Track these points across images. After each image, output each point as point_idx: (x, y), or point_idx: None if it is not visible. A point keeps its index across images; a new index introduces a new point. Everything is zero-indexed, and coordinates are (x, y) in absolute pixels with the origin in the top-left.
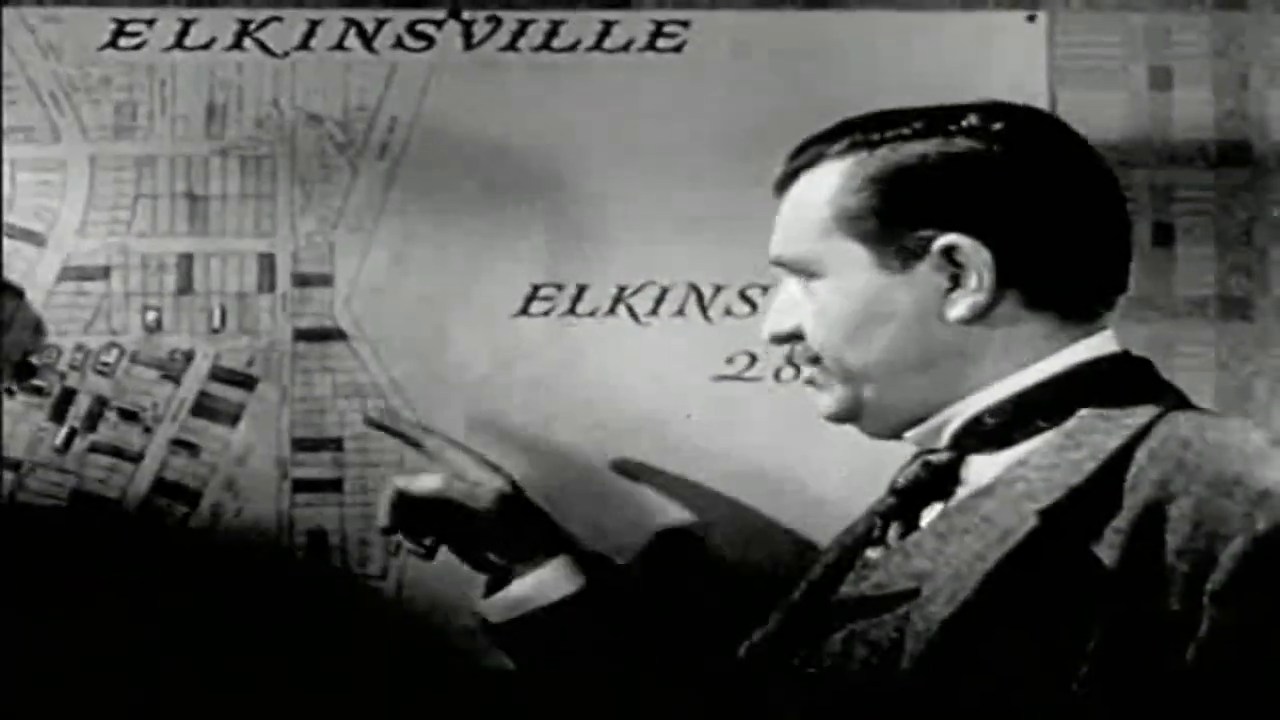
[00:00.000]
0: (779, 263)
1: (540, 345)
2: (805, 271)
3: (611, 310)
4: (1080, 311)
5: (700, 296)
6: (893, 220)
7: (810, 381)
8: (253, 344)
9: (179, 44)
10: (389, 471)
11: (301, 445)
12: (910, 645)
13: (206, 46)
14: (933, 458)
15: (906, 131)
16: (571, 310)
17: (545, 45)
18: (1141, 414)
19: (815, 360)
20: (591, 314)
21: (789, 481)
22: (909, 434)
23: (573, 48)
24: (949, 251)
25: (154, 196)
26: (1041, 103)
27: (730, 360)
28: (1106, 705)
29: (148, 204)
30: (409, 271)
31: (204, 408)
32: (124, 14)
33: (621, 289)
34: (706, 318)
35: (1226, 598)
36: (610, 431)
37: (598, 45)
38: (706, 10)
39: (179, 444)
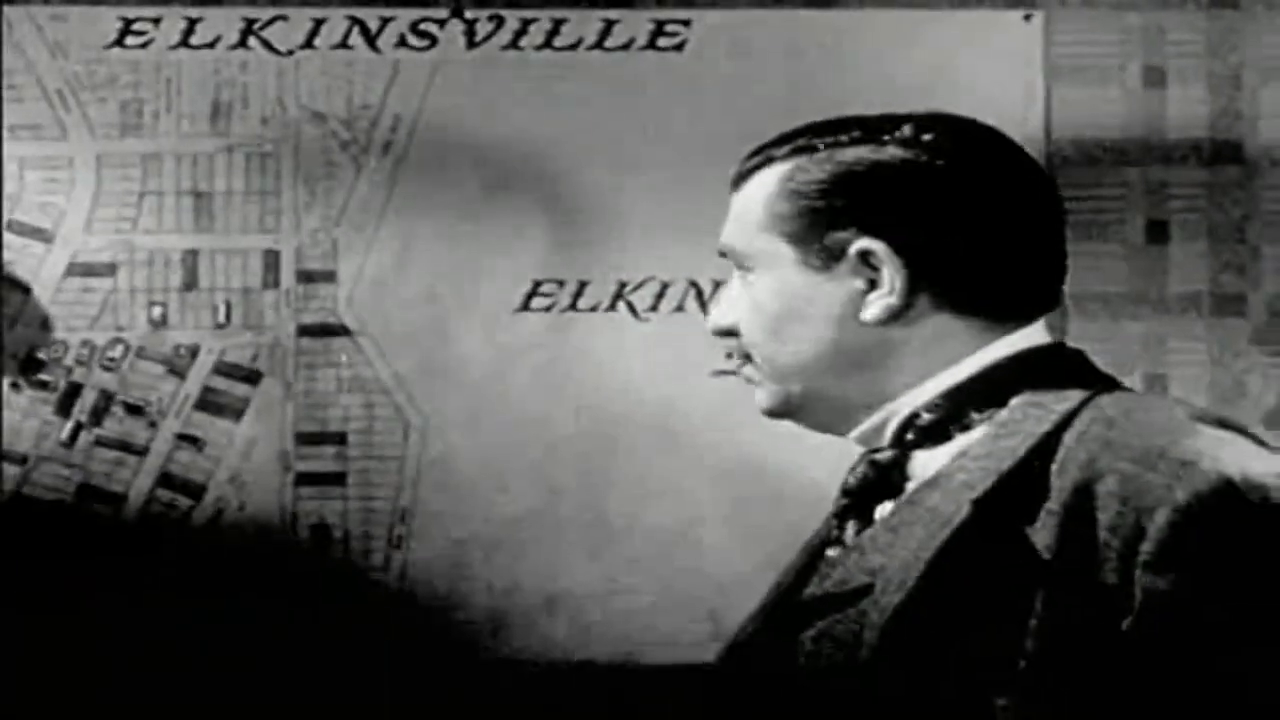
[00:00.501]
0: (722, 252)
1: (542, 340)
2: (742, 265)
3: (612, 306)
4: (1011, 315)
5: (700, 292)
6: (816, 222)
7: (747, 378)
8: (257, 339)
9: (184, 42)
10: (391, 465)
11: (305, 439)
12: (867, 636)
13: (212, 45)
14: (878, 456)
15: (844, 138)
16: (572, 306)
17: (547, 44)
18: (1071, 398)
19: (748, 357)
20: (592, 309)
21: (786, 474)
22: (853, 434)
23: (574, 46)
24: (865, 255)
25: (160, 193)
26: (1038, 100)
27: (730, 355)
28: (1053, 682)
29: (153, 201)
30: (412, 267)
31: (209, 402)
32: (130, 13)
33: (622, 285)
34: (706, 313)
35: (1156, 568)
36: (610, 424)
37: (599, 44)
38: (706, 9)
39: (184, 438)
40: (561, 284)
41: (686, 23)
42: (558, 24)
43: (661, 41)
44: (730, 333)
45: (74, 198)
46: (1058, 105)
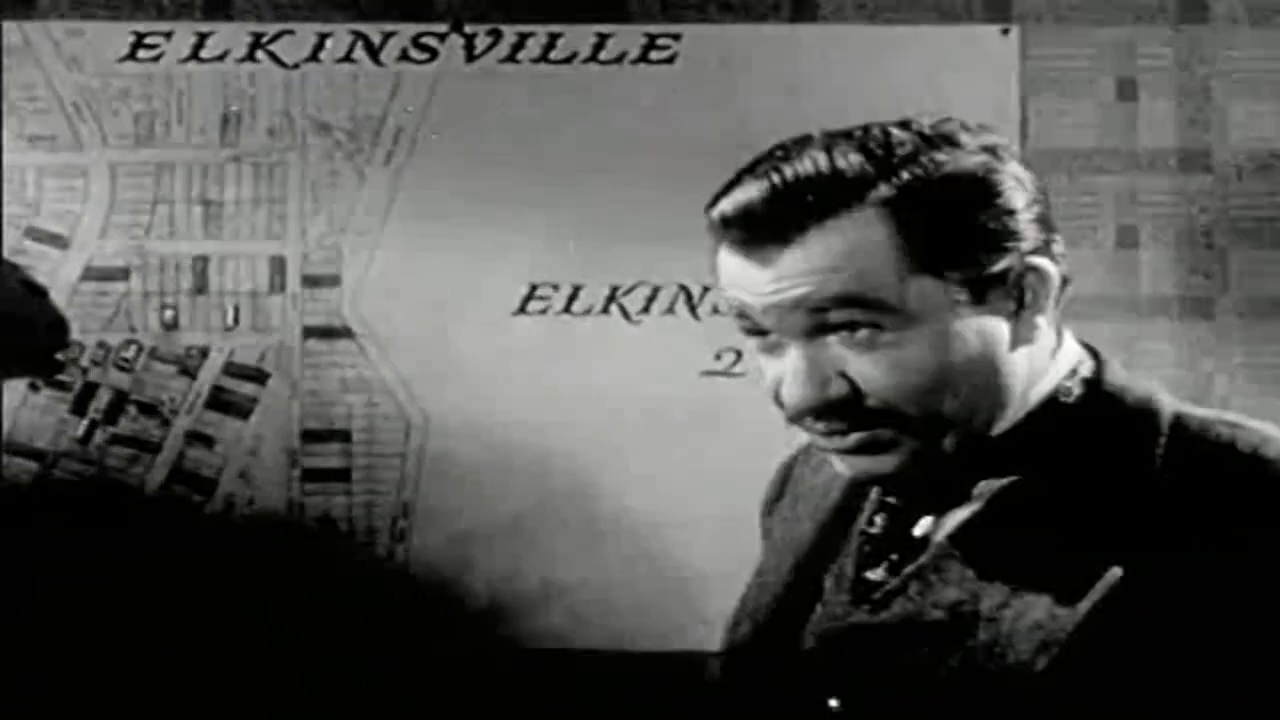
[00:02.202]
0: (819, 307)
1: (537, 342)
2: (858, 322)
3: (605, 309)
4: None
5: (689, 296)
6: (974, 248)
7: (859, 444)
8: (264, 341)
9: (195, 56)
10: (394, 461)
11: (311, 437)
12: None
13: (221, 58)
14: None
15: (928, 153)
16: (567, 309)
17: (543, 57)
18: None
19: (872, 423)
20: (586, 312)
21: (771, 469)
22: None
23: (569, 59)
24: (1022, 275)
25: (171, 201)
26: (1014, 110)
27: (718, 356)
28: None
29: (165, 209)
30: (413, 272)
31: (218, 401)
32: (143, 27)
33: (615, 289)
34: (695, 316)
35: None
36: (604, 422)
37: (593, 57)
38: (696, 24)
39: (195, 436)
40: (557, 288)
41: (677, 36)
42: (553, 38)
43: (653, 54)
44: (841, 403)
45: (89, 205)
46: (1033, 116)
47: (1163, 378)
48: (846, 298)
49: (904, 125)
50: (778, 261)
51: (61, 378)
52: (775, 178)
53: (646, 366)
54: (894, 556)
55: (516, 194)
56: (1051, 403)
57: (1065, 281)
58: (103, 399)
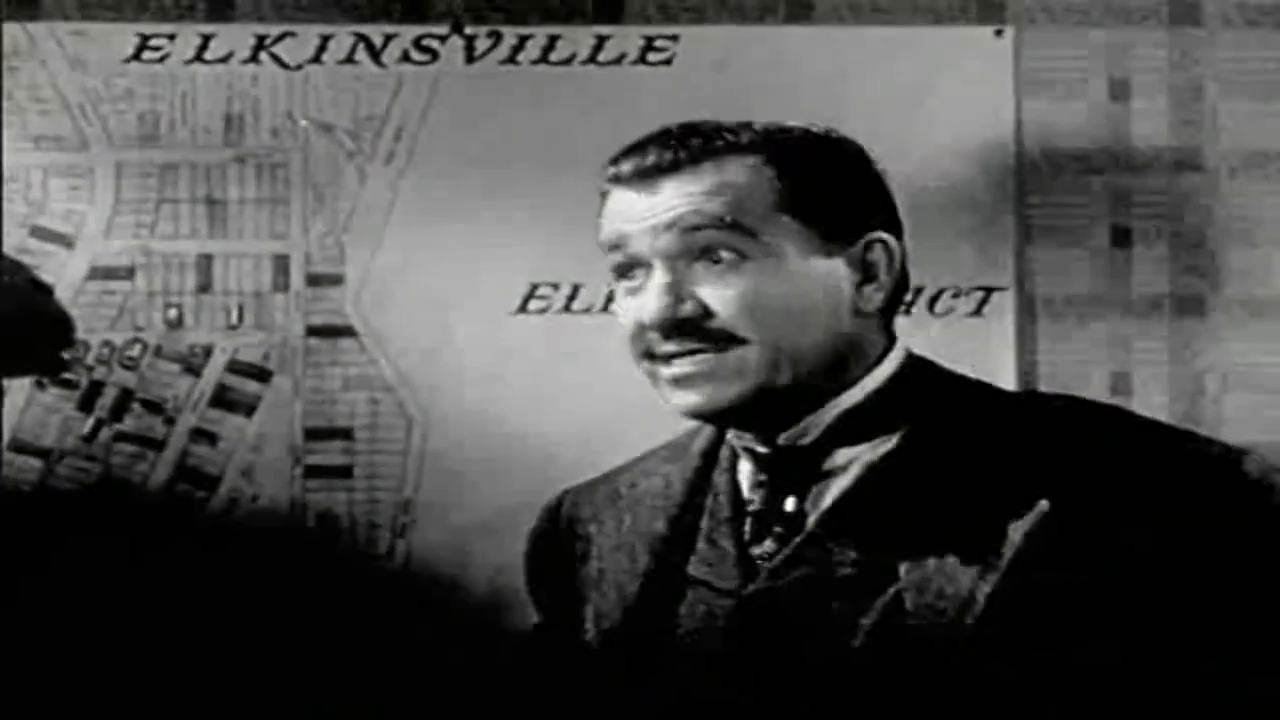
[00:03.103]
0: (693, 227)
1: (537, 340)
2: (726, 246)
3: (604, 308)
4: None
5: None
6: (843, 209)
7: (685, 375)
8: (268, 339)
9: (199, 57)
10: (395, 458)
11: (313, 434)
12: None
13: (225, 60)
14: (802, 443)
15: (807, 135)
16: (567, 308)
17: (542, 59)
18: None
19: (715, 343)
20: (586, 311)
21: None
22: (783, 436)
23: (568, 61)
24: (870, 245)
25: (175, 201)
26: (1008, 112)
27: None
28: None
29: (170, 208)
30: (414, 271)
31: (222, 399)
32: (147, 29)
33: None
34: None
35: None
36: (601, 418)
37: (592, 58)
38: (693, 26)
39: (199, 433)
40: (556, 287)
41: (675, 38)
42: (553, 40)
43: (651, 56)
44: (690, 322)
45: (94, 205)
46: (1027, 117)
47: (1156, 375)
48: (719, 219)
49: (796, 124)
50: (662, 189)
51: (67, 376)
52: (674, 136)
53: None
54: (778, 530)
55: (517, 194)
56: (892, 380)
57: (905, 275)
58: (108, 396)
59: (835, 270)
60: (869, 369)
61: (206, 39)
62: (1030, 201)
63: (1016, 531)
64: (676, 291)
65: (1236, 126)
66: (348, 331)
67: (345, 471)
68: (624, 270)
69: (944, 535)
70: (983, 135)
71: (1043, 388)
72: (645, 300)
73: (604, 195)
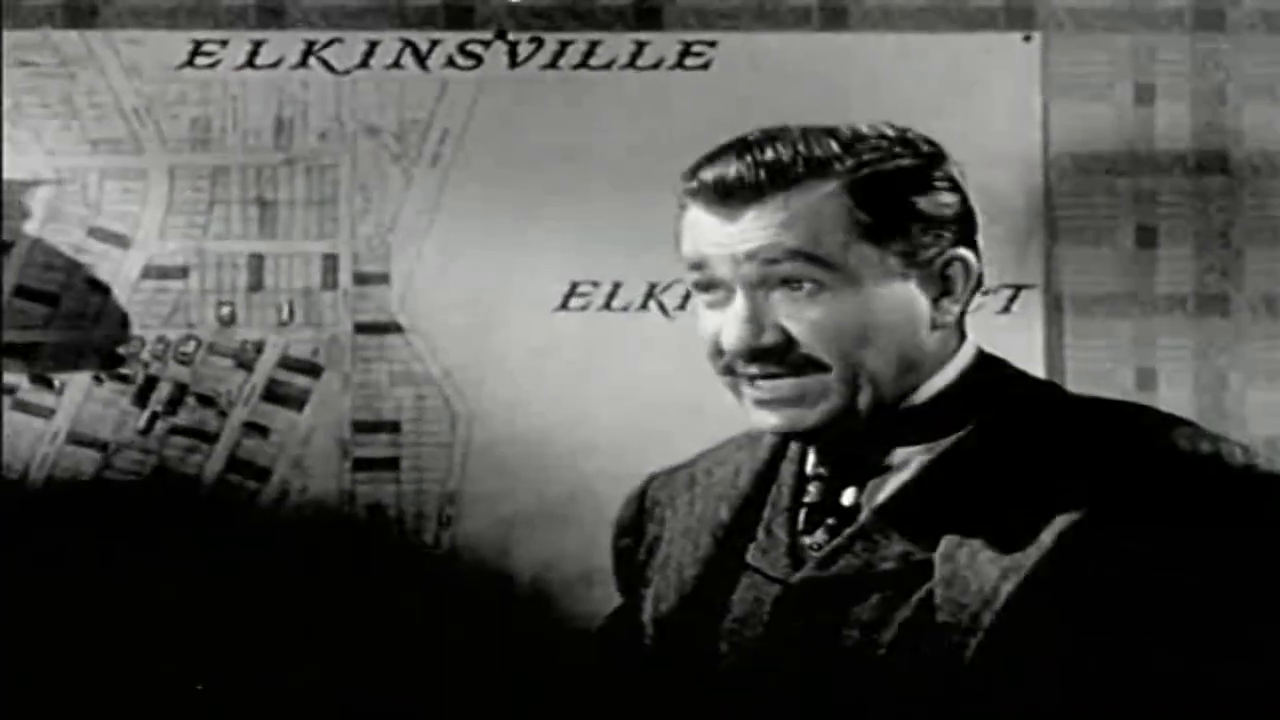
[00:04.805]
0: (770, 259)
1: (578, 337)
2: (802, 277)
3: (643, 305)
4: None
5: None
6: (915, 230)
7: (778, 396)
8: (317, 336)
9: (250, 63)
10: (441, 451)
11: (361, 427)
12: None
13: (275, 65)
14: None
15: (883, 149)
16: (607, 305)
17: (583, 63)
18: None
19: (800, 369)
20: (625, 309)
21: None
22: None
23: (608, 66)
24: (948, 263)
25: (227, 202)
26: (1036, 115)
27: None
28: None
29: (222, 209)
30: (459, 270)
31: (273, 393)
32: (199, 36)
33: (652, 285)
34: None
35: None
36: (641, 413)
37: (631, 63)
38: (730, 31)
39: (251, 426)
40: (596, 285)
41: (712, 43)
42: (593, 45)
43: (689, 61)
44: (772, 350)
45: (149, 206)
46: (1055, 120)
47: (1179, 371)
48: (797, 251)
49: (871, 126)
50: (743, 217)
51: (123, 371)
52: (754, 153)
53: (683, 360)
54: (830, 521)
55: (558, 194)
56: (958, 381)
57: (981, 280)
58: (163, 391)
59: (913, 291)
60: (938, 369)
61: (257, 45)
62: (1058, 202)
63: (1049, 534)
64: (758, 320)
65: (1258, 129)
66: (394, 328)
67: (392, 464)
68: (705, 287)
69: (980, 533)
70: (1012, 138)
71: (1070, 383)
72: (727, 325)
73: (682, 208)
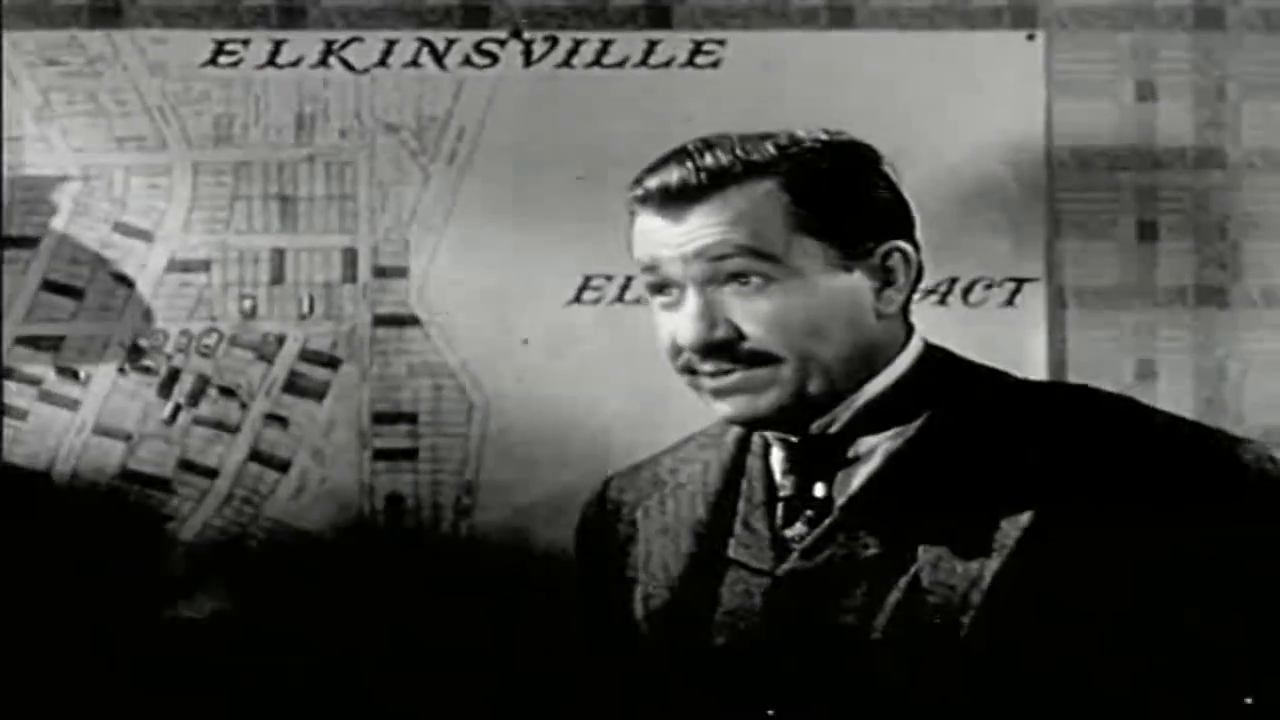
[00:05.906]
0: (717, 255)
1: (591, 329)
2: (746, 272)
3: None
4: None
5: None
6: (854, 223)
7: (732, 386)
8: (337, 329)
9: (271, 62)
10: (458, 442)
11: (380, 419)
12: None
13: (295, 64)
14: (831, 432)
15: (813, 148)
16: (620, 298)
17: (596, 62)
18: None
19: (754, 362)
20: (637, 302)
21: None
22: (813, 426)
23: (621, 64)
24: (888, 254)
25: (249, 198)
26: (1039, 112)
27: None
28: None
29: (244, 204)
30: (475, 264)
31: (294, 385)
32: (222, 35)
33: None
34: None
35: None
36: (653, 402)
37: (643, 62)
38: (740, 30)
39: (272, 418)
40: (609, 279)
41: (722, 42)
42: (606, 44)
43: (699, 60)
44: (724, 344)
45: (173, 202)
46: (1058, 117)
47: (1180, 363)
48: (741, 246)
49: (808, 131)
50: (689, 218)
51: (147, 363)
52: (694, 159)
53: None
54: (809, 513)
55: (571, 191)
56: (910, 371)
57: (921, 271)
58: (186, 383)
59: (856, 281)
60: (890, 360)
61: (278, 45)
62: (1060, 197)
63: (1023, 515)
64: (710, 316)
65: (1257, 126)
66: (412, 321)
67: (411, 454)
68: (658, 288)
69: (958, 517)
70: (1016, 134)
71: (1072, 375)
72: (681, 323)
73: (632, 215)
